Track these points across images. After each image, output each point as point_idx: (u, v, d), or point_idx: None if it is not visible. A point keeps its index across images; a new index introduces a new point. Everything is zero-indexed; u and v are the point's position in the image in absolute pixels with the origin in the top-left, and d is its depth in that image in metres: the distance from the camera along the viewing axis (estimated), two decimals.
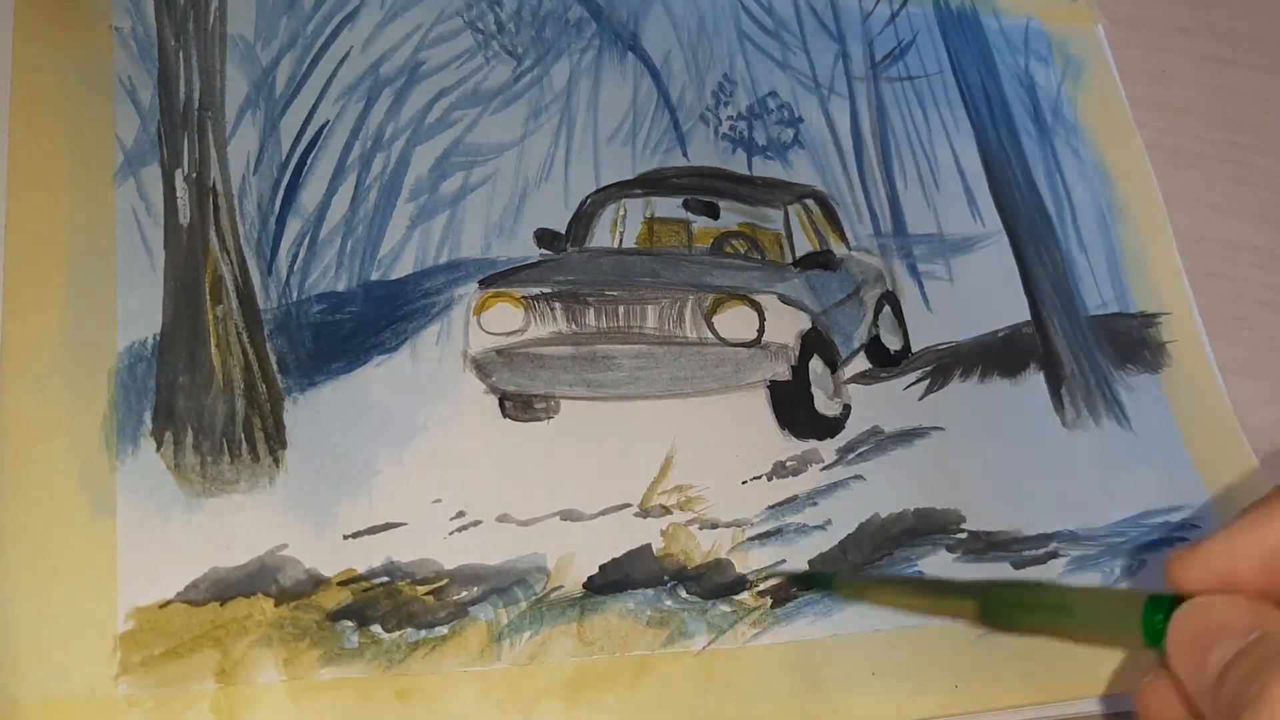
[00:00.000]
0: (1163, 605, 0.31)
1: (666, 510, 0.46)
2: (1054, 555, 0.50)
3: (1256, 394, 0.58)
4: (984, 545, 0.49)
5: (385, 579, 0.41)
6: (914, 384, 0.52)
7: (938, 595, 0.43)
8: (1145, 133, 0.64)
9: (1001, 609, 0.38)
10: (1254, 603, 0.29)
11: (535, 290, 0.48)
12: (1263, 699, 0.26)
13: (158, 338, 0.42)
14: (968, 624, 0.43)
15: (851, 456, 0.49)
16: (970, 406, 0.52)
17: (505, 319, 0.47)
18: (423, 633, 0.41)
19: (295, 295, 0.44)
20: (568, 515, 0.44)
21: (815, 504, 0.48)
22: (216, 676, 0.38)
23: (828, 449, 0.49)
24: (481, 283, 0.47)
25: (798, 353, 0.49)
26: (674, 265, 0.50)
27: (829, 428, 0.49)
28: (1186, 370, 0.57)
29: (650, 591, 0.44)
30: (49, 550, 0.38)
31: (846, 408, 0.50)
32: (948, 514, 0.50)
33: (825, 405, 0.50)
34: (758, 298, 0.49)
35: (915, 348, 0.53)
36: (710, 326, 0.48)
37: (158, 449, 0.40)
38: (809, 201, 0.54)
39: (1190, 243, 0.61)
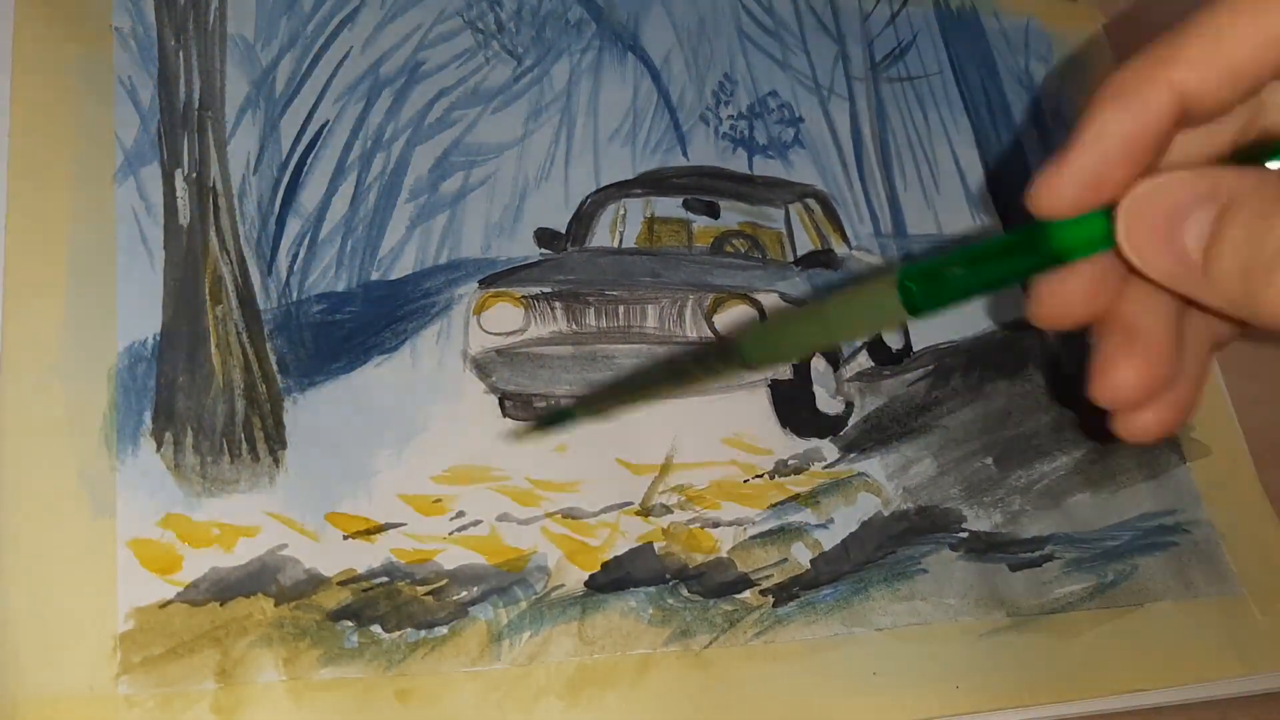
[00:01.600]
0: (914, 273, 0.29)
1: (668, 509, 0.45)
2: (1049, 558, 0.50)
3: (1256, 394, 0.58)
4: (984, 545, 0.49)
5: (385, 579, 0.41)
6: (916, 382, 0.52)
7: (693, 368, 0.39)
8: None
9: (756, 351, 0.35)
10: (1203, 170, 0.27)
11: (535, 290, 0.48)
12: None
13: (158, 338, 0.42)
14: (735, 373, 0.40)
15: (854, 454, 0.49)
16: (970, 406, 0.52)
17: (505, 319, 0.47)
18: (422, 633, 0.41)
19: (295, 295, 0.44)
20: (569, 514, 0.44)
21: (817, 502, 0.48)
22: (216, 676, 0.37)
23: (829, 447, 0.49)
24: (481, 283, 0.47)
25: None
26: (674, 265, 0.50)
27: (831, 426, 0.49)
28: None
29: (652, 590, 0.44)
30: (49, 550, 0.37)
31: (849, 405, 0.50)
32: (949, 513, 0.50)
33: (827, 404, 0.50)
34: (759, 296, 0.49)
35: (916, 347, 0.53)
36: (711, 326, 0.48)
37: (158, 449, 0.40)
38: (810, 201, 0.54)
39: None
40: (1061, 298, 0.31)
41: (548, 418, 0.45)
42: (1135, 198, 0.27)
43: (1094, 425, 0.53)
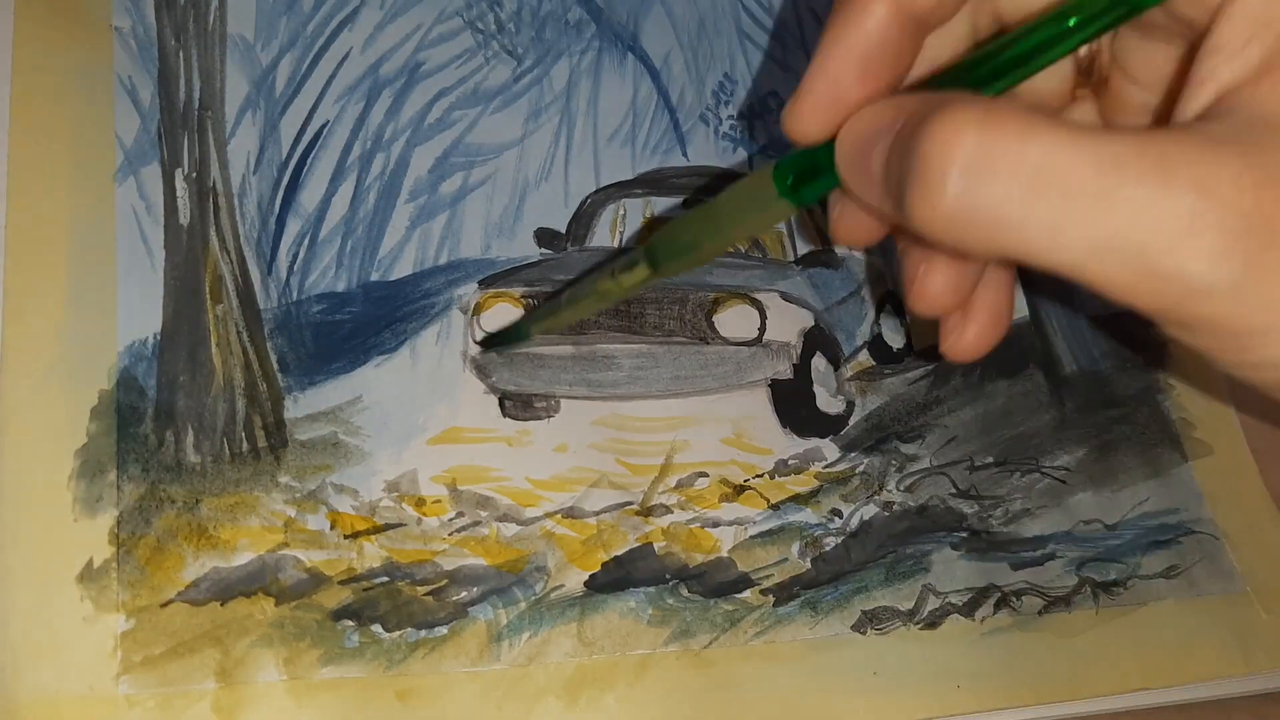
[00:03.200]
0: (790, 164, 0.30)
1: (668, 509, 0.45)
2: (1051, 557, 0.50)
3: (1257, 392, 0.58)
4: (985, 544, 0.49)
5: (385, 579, 0.41)
6: (917, 381, 0.52)
7: (605, 282, 0.38)
8: None
9: (668, 256, 0.35)
10: (894, 98, 0.28)
11: (535, 290, 0.48)
12: (917, 159, 0.24)
13: (158, 337, 0.42)
14: (645, 283, 0.38)
15: (854, 454, 0.49)
16: (971, 405, 0.52)
17: (505, 319, 0.47)
18: (422, 633, 0.41)
19: (295, 295, 0.44)
20: (569, 514, 0.44)
21: (818, 502, 0.48)
22: (217, 676, 0.37)
23: (830, 447, 0.49)
24: (481, 283, 0.47)
25: (800, 350, 0.49)
26: None
27: (832, 425, 0.49)
28: (1189, 370, 0.57)
29: (652, 590, 0.44)
30: (49, 550, 0.37)
31: (850, 405, 0.50)
32: (950, 512, 0.49)
33: (828, 403, 0.50)
34: (759, 296, 0.49)
35: (917, 346, 0.53)
36: (711, 325, 0.48)
37: (158, 448, 0.40)
38: None
39: None
40: (852, 219, 0.32)
41: (501, 335, 0.45)
42: (844, 130, 0.28)
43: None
